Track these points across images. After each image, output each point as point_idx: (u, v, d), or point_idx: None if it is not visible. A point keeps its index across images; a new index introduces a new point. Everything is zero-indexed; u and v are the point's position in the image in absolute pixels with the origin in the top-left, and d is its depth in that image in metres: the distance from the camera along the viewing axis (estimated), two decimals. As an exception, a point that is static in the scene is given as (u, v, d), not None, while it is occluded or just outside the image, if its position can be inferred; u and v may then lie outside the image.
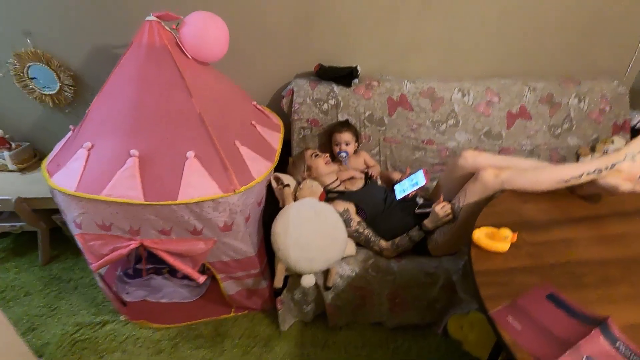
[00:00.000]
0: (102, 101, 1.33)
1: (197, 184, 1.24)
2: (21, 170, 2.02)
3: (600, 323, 0.76)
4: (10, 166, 1.98)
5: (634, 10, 1.85)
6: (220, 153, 1.30)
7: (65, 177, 1.24)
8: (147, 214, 1.23)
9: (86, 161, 1.24)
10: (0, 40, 1.81)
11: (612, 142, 1.96)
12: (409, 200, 1.61)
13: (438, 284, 1.51)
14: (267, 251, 1.58)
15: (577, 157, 2.01)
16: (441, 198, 1.45)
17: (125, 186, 1.19)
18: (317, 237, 1.37)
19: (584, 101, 1.92)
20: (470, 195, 1.31)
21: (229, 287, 1.55)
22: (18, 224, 1.93)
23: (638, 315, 0.81)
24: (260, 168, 1.43)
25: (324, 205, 1.46)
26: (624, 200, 1.20)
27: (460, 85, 1.87)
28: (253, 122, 1.57)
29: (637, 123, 2.02)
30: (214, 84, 1.48)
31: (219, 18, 1.42)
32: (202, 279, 1.42)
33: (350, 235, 1.51)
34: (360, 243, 1.56)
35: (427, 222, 1.44)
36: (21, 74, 1.87)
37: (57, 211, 1.94)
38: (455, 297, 1.54)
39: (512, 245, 0.98)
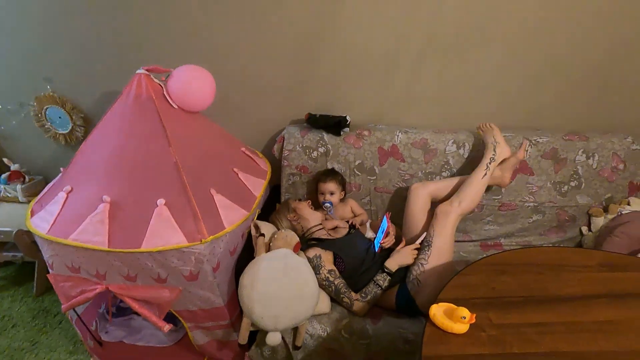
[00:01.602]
0: (88, 147, 1.40)
1: (162, 232, 1.24)
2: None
3: None
4: (21, 198, 2.11)
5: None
6: (192, 201, 1.30)
7: (42, 219, 1.29)
8: (112, 260, 1.24)
9: (63, 205, 1.29)
10: (24, 86, 2.00)
11: (629, 203, 1.79)
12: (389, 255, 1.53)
13: (418, 354, 1.38)
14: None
15: (589, 218, 1.85)
16: (403, 241, 1.54)
17: (92, 232, 1.21)
18: (284, 293, 1.31)
19: (593, 158, 1.78)
20: (438, 231, 1.46)
21: (198, 337, 1.50)
22: (19, 255, 2.03)
23: None
24: (234, 217, 1.42)
25: (296, 259, 1.41)
26: (623, 279, 1.06)
27: (455, 137, 1.81)
28: (235, 170, 1.59)
29: (658, 183, 1.84)
30: (198, 132, 1.53)
31: (205, 70, 1.49)
32: (167, 327, 1.38)
33: (320, 285, 1.43)
34: (331, 295, 1.48)
35: (388, 263, 1.45)
36: (39, 115, 2.03)
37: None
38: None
39: (474, 326, 0.88)
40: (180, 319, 1.43)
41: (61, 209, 1.28)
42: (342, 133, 1.81)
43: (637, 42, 1.69)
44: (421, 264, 1.42)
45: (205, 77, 1.47)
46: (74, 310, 1.50)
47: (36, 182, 2.18)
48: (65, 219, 1.26)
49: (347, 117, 1.79)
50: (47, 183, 2.23)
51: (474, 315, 0.87)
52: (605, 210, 1.81)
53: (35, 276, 2.02)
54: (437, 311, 0.91)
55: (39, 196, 1.47)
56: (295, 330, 1.39)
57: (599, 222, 1.80)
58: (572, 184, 1.80)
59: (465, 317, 0.86)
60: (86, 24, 1.81)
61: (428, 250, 1.43)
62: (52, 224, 1.25)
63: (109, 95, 1.98)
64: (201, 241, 1.27)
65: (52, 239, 1.22)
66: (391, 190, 1.86)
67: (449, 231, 1.46)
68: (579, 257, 1.18)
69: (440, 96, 1.88)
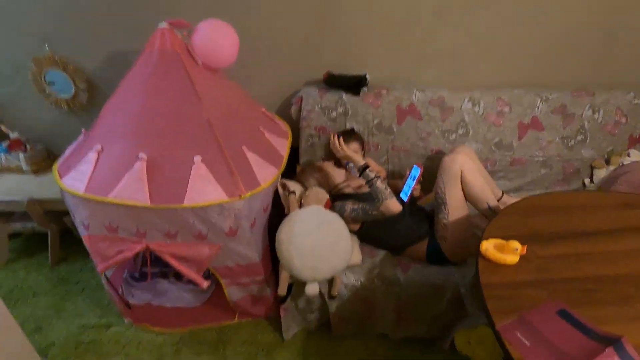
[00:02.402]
0: (114, 106, 1.35)
1: (203, 188, 1.24)
2: (35, 172, 2.06)
3: (614, 342, 0.73)
4: (25, 167, 2.02)
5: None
6: (227, 158, 1.30)
7: (74, 179, 1.26)
8: (152, 217, 1.24)
9: (95, 164, 1.26)
10: (19, 46, 1.87)
11: (628, 154, 1.91)
12: (418, 206, 1.59)
13: (445, 297, 1.48)
14: (273, 258, 1.57)
15: (592, 170, 1.96)
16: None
17: (132, 189, 1.20)
18: (321, 246, 1.36)
19: (599, 113, 1.87)
20: (447, 182, 1.47)
21: (233, 293, 1.54)
22: (29, 225, 1.97)
23: (653, 335, 0.77)
24: (267, 174, 1.43)
25: (329, 213, 1.44)
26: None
27: (470, 95, 1.86)
28: (261, 129, 1.58)
29: (655, 136, 1.96)
30: (223, 90, 1.50)
31: (229, 25, 1.44)
32: (205, 284, 1.41)
33: (350, 219, 1.50)
34: (361, 219, 1.52)
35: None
36: (39, 79, 1.92)
37: (68, 213, 1.99)
38: (462, 311, 1.50)
39: (521, 258, 0.96)
40: (217, 275, 1.46)
41: (94, 168, 1.25)
42: (361, 92, 1.81)
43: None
44: (443, 223, 1.48)
45: (232, 34, 1.43)
46: (105, 275, 1.51)
47: (38, 151, 2.09)
48: (101, 178, 1.23)
49: (367, 75, 1.79)
50: (48, 151, 2.16)
51: (525, 246, 0.94)
52: (607, 162, 1.93)
53: (50, 246, 1.98)
54: (489, 246, 0.97)
55: (62, 159, 1.42)
56: (331, 280, 1.45)
57: (601, 173, 1.92)
58: (579, 138, 1.90)
59: (517, 249, 0.93)
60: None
61: (445, 209, 1.48)
62: (88, 183, 1.22)
63: (116, 56, 1.88)
64: (240, 197, 1.28)
65: (91, 197, 1.20)
66: (408, 149, 1.90)
67: (458, 186, 1.47)
68: (599, 199, 1.27)
69: (455, 54, 1.89)
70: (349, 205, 1.51)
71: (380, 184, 1.43)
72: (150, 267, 1.88)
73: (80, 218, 1.30)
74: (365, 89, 1.82)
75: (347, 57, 1.89)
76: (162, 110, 1.30)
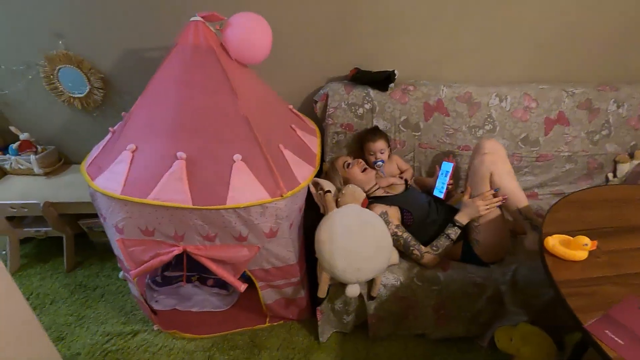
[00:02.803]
0: (146, 103, 1.29)
1: (245, 188, 1.19)
2: (46, 174, 1.99)
3: None
4: (37, 170, 1.94)
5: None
6: (267, 156, 1.26)
7: (108, 179, 1.19)
8: (193, 219, 1.18)
9: (130, 164, 1.20)
10: (30, 42, 1.78)
11: (651, 149, 1.92)
12: (449, 206, 1.56)
13: (485, 295, 1.46)
14: (307, 259, 1.53)
15: (615, 164, 1.97)
16: (468, 189, 1.48)
17: (173, 190, 1.14)
18: (364, 246, 1.32)
19: (623, 107, 1.88)
20: (476, 184, 1.45)
21: (268, 296, 1.49)
22: (43, 229, 1.89)
23: None
24: (304, 172, 1.38)
25: (369, 213, 1.41)
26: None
27: (497, 90, 1.84)
28: (293, 126, 1.54)
29: (675, 130, 1.97)
30: (255, 86, 1.45)
31: (263, 19, 1.39)
32: (243, 287, 1.36)
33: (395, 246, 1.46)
34: (400, 249, 1.50)
35: (459, 216, 1.44)
36: (51, 76, 1.84)
37: (83, 216, 1.92)
38: (501, 309, 1.49)
39: (589, 253, 0.93)
40: (253, 278, 1.41)
41: (129, 168, 1.19)
42: (388, 88, 1.78)
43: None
44: (475, 226, 1.45)
45: (266, 28, 1.38)
46: (126, 277, 1.44)
47: (50, 152, 2.01)
48: (138, 179, 1.17)
49: (395, 72, 1.75)
50: (59, 153, 2.07)
51: (595, 242, 0.92)
52: (631, 156, 1.94)
53: (65, 251, 1.90)
54: (555, 242, 0.95)
55: (89, 159, 1.35)
56: (371, 281, 1.42)
57: (625, 167, 1.93)
58: (603, 132, 1.90)
59: (587, 244, 0.91)
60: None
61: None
62: (124, 184, 1.16)
63: (132, 53, 1.81)
64: (282, 196, 1.23)
65: (129, 199, 1.14)
66: (435, 146, 1.88)
67: (487, 188, 1.44)
68: (642, 192, 1.26)
69: (480, 49, 1.88)
70: (394, 226, 1.46)
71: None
72: (171, 271, 1.83)
73: (113, 221, 1.23)
74: (392, 85, 1.79)
75: (371, 54, 1.86)
76: (199, 106, 1.24)
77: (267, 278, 1.43)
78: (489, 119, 1.85)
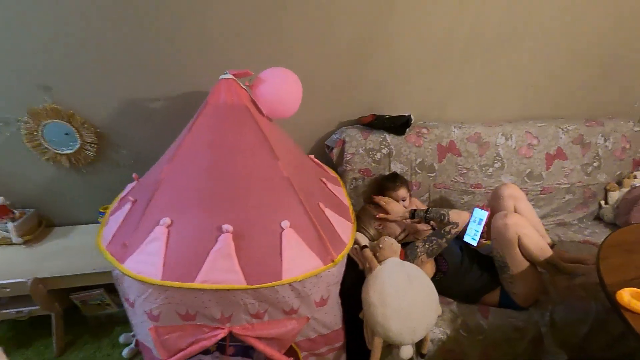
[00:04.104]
0: (175, 170, 1.16)
1: (298, 258, 1.10)
2: (26, 242, 1.72)
3: None
4: (15, 239, 1.68)
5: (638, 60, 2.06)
6: (313, 219, 1.18)
7: (142, 262, 1.04)
8: (245, 298, 1.06)
9: (167, 241, 1.06)
10: (10, 96, 1.58)
11: (635, 176, 2.10)
12: (484, 255, 1.57)
13: (526, 338, 1.46)
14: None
15: (606, 193, 2.12)
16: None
17: (222, 269, 1.02)
18: (417, 303, 1.27)
19: (609, 140, 2.05)
20: (504, 247, 1.42)
21: (309, 366, 1.37)
22: (26, 309, 1.61)
23: None
24: (346, 230, 1.32)
25: (412, 267, 1.36)
26: None
27: (502, 130, 1.93)
28: (323, 179, 1.47)
29: (651, 158, 2.19)
30: (285, 141, 1.38)
31: (293, 73, 1.34)
32: (289, 362, 1.24)
33: (426, 255, 1.46)
34: (435, 252, 1.47)
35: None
36: (35, 133, 1.63)
37: (74, 290, 1.68)
38: (539, 349, 1.49)
39: (660, 304, 0.96)
40: (297, 349, 1.29)
41: (166, 246, 1.05)
42: (406, 132, 1.79)
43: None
44: (510, 282, 1.45)
45: (296, 81, 1.33)
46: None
47: (29, 216, 1.75)
48: (178, 259, 1.03)
49: (411, 116, 1.77)
50: (40, 216, 1.82)
51: (668, 294, 0.94)
52: (619, 184, 2.10)
53: (54, 331, 1.63)
54: (627, 295, 0.96)
55: (108, 234, 1.18)
56: (421, 339, 1.36)
57: (615, 195, 2.08)
58: (595, 164, 2.05)
59: (661, 297, 0.93)
60: (97, 22, 1.49)
61: (509, 270, 1.44)
62: (164, 267, 1.02)
63: (129, 105, 1.67)
64: (333, 262, 1.16)
65: (173, 284, 1.00)
66: (449, 186, 1.91)
67: (516, 249, 1.41)
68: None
69: (481, 90, 1.97)
70: (420, 244, 1.45)
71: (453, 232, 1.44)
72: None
73: (146, 308, 1.07)
74: (408, 129, 1.81)
75: (380, 98, 1.89)
76: (238, 171, 1.15)
77: (312, 347, 1.31)
78: (497, 157, 1.92)
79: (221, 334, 1.11)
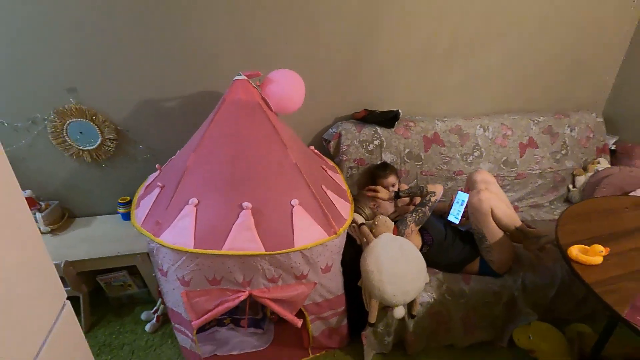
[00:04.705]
0: (199, 158, 1.35)
1: (306, 230, 1.30)
2: (52, 232, 1.89)
3: None
4: (43, 228, 1.84)
5: (601, 58, 2.32)
6: (318, 199, 1.38)
7: (176, 234, 1.23)
8: (263, 264, 1.26)
9: (195, 217, 1.25)
10: (38, 97, 1.74)
11: (598, 162, 2.35)
12: (465, 232, 1.79)
13: (502, 301, 1.68)
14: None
15: (573, 177, 2.37)
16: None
17: (244, 238, 1.22)
18: (408, 270, 1.48)
19: (575, 130, 2.30)
20: (481, 220, 1.62)
21: (316, 328, 1.58)
22: (56, 291, 1.78)
23: None
24: (346, 209, 1.52)
25: (404, 240, 1.58)
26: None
27: (481, 122, 2.16)
28: (323, 167, 1.68)
29: (612, 145, 2.45)
30: (292, 134, 1.57)
31: (297, 74, 1.54)
32: (299, 322, 1.44)
33: (414, 225, 1.66)
34: (422, 221, 1.67)
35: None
36: (60, 131, 1.80)
37: (101, 272, 1.85)
38: (513, 312, 1.72)
39: (603, 258, 1.19)
40: (305, 312, 1.49)
41: (195, 222, 1.24)
42: (394, 125, 2.01)
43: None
44: (488, 251, 1.66)
45: (300, 81, 1.53)
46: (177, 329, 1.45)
47: (54, 208, 1.91)
48: (206, 231, 1.23)
49: (399, 111, 1.99)
50: (63, 208, 1.99)
51: (608, 248, 1.17)
52: (585, 169, 2.36)
53: (82, 310, 1.80)
54: (576, 251, 1.19)
55: (141, 215, 1.36)
56: (411, 302, 1.57)
57: (581, 179, 2.33)
58: (563, 152, 2.30)
59: (602, 251, 1.16)
60: (118, 28, 1.67)
61: (486, 241, 1.64)
62: (195, 238, 1.21)
63: (147, 104, 1.84)
64: (336, 234, 1.36)
65: (205, 252, 1.19)
66: (435, 173, 2.13)
67: (490, 220, 1.61)
68: (616, 202, 1.60)
69: (462, 87, 2.20)
70: (408, 215, 1.66)
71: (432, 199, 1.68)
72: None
73: (179, 274, 1.26)
74: (397, 122, 2.02)
75: (372, 95, 2.10)
76: (254, 158, 1.34)
77: (318, 311, 1.52)
78: (476, 147, 2.15)
79: (242, 295, 1.30)
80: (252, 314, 1.83)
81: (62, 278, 1.69)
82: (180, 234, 1.23)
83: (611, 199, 1.67)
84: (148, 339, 1.78)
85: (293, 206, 1.31)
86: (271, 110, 1.47)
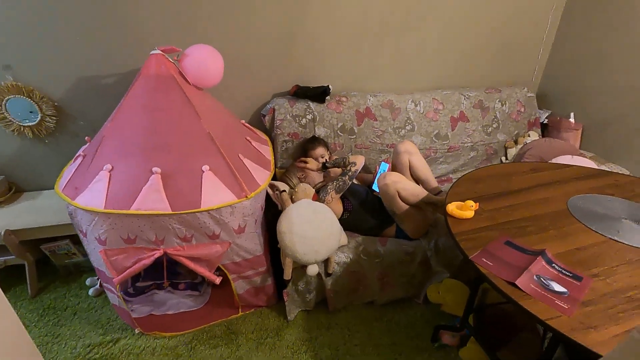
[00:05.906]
0: (116, 127, 1.46)
1: (215, 193, 1.42)
2: (-2, 205, 1.99)
3: (541, 253, 1.11)
4: (-12, 201, 1.94)
5: (533, 36, 2.42)
6: (230, 165, 1.49)
7: (89, 197, 1.34)
8: (172, 223, 1.38)
9: (109, 181, 1.36)
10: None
11: (529, 135, 2.48)
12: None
13: (416, 261, 1.83)
14: (270, 251, 1.78)
15: (505, 150, 2.51)
16: None
17: (152, 200, 1.33)
18: (318, 232, 1.61)
19: (506, 105, 2.42)
20: (388, 202, 1.75)
21: (239, 287, 1.71)
22: (1, 259, 1.89)
23: (562, 247, 1.17)
24: (263, 176, 1.64)
25: (319, 205, 1.70)
26: (545, 175, 1.63)
27: (412, 97, 2.27)
28: (248, 138, 1.78)
29: (544, 119, 2.58)
30: (212, 106, 1.67)
31: (214, 49, 1.63)
32: (218, 280, 1.58)
33: (334, 193, 1.79)
34: (342, 189, 1.80)
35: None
36: (-1, 107, 1.88)
37: (44, 241, 1.96)
38: (429, 271, 1.87)
39: (475, 212, 1.32)
40: (226, 271, 1.62)
41: (108, 185, 1.35)
42: (325, 101, 2.11)
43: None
44: (399, 222, 1.81)
45: (217, 56, 1.62)
46: (105, 287, 1.57)
47: (0, 182, 2.01)
48: (118, 194, 1.34)
49: (329, 86, 2.09)
50: (9, 182, 2.08)
51: (477, 204, 1.31)
52: (516, 142, 2.49)
53: (28, 277, 1.92)
54: (452, 207, 1.32)
55: (63, 181, 1.47)
56: (327, 260, 1.71)
57: (512, 152, 2.47)
58: (494, 125, 2.42)
59: (472, 206, 1.29)
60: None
61: (396, 217, 1.79)
62: (106, 200, 1.32)
63: (85, 80, 1.92)
64: (247, 197, 1.48)
65: (114, 211, 1.30)
66: (368, 146, 2.25)
67: (397, 200, 1.72)
68: (517, 167, 1.73)
69: (397, 65, 2.30)
70: (329, 184, 1.79)
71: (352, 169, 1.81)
72: (142, 281, 1.96)
73: (95, 234, 1.38)
74: (328, 97, 2.12)
75: (309, 73, 2.19)
76: (167, 127, 1.44)
77: (238, 270, 1.65)
78: (408, 121, 2.27)
79: (157, 253, 1.43)
80: (190, 278, 1.97)
81: (4, 247, 1.81)
82: (93, 196, 1.34)
83: (513, 165, 1.79)
84: (91, 302, 1.91)
85: (204, 171, 1.42)
86: (188, 83, 1.56)
